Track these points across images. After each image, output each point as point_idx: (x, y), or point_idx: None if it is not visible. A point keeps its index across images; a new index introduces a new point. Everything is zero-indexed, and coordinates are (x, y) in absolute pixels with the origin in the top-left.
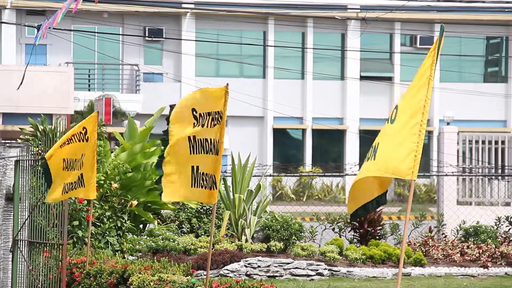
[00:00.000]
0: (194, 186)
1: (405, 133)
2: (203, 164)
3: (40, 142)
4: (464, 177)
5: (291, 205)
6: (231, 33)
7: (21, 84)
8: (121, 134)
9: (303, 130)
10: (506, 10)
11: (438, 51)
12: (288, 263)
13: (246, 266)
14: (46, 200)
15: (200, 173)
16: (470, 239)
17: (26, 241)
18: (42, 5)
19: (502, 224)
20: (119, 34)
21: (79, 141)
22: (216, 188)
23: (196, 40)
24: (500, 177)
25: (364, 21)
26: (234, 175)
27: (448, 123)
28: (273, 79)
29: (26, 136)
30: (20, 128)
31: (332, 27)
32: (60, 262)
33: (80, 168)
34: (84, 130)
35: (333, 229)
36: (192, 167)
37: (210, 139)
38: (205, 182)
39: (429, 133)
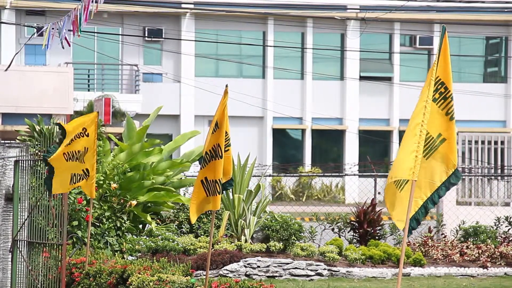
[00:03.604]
0: (210, 195)
1: (408, 135)
2: (209, 172)
3: (37, 143)
4: (464, 177)
5: (290, 205)
6: (231, 33)
7: (9, 65)
8: (120, 134)
9: (303, 130)
10: (506, 10)
11: (439, 52)
12: (288, 263)
13: (245, 266)
14: (54, 192)
15: (210, 181)
16: (469, 239)
17: (25, 241)
18: (41, 5)
19: (501, 224)
20: (119, 34)
21: (81, 137)
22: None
23: (195, 40)
24: (499, 177)
25: (364, 21)
26: (233, 175)
27: None
28: (272, 79)
29: (23, 137)
30: (16, 130)
31: (331, 27)
32: (59, 262)
33: (84, 162)
34: (84, 130)
35: (333, 229)
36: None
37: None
38: (216, 188)
39: None
